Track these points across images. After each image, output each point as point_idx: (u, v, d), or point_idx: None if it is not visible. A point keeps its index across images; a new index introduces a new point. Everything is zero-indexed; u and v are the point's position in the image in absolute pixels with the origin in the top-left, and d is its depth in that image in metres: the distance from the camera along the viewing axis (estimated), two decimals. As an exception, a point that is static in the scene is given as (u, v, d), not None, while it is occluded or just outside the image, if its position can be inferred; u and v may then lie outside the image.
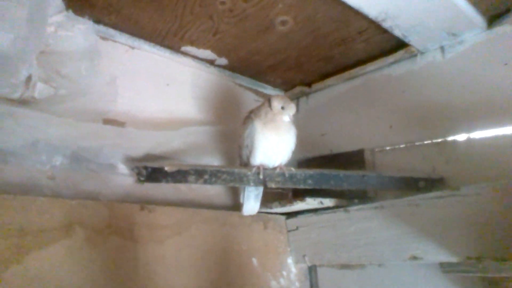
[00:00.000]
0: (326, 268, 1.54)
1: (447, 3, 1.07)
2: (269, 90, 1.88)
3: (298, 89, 1.81)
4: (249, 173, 1.25)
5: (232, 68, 1.69)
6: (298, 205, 1.44)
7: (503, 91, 1.11)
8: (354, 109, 1.58)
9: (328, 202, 1.44)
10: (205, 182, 1.23)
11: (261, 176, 1.24)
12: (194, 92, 1.60)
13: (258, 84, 1.82)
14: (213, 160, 1.60)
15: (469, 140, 1.17)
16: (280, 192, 1.73)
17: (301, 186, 1.26)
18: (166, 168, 1.22)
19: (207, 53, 1.56)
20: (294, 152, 1.82)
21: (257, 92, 1.83)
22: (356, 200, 1.44)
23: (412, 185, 1.21)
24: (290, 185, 1.26)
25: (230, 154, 1.63)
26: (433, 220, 1.07)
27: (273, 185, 1.26)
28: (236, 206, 1.55)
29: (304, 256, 1.53)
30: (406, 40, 1.28)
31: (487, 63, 1.17)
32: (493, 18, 1.18)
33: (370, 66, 1.49)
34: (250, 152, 1.29)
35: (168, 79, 1.52)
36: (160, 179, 1.23)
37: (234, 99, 1.73)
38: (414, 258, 1.12)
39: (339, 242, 1.39)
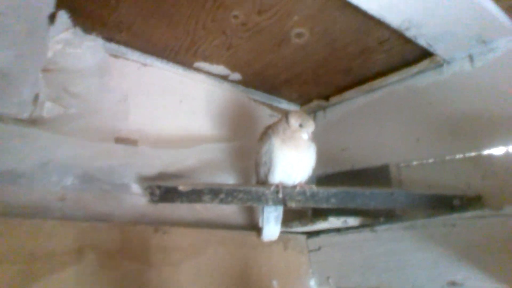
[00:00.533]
0: (353, 291, 1.43)
1: (476, 9, 1.00)
2: (284, 104, 1.82)
3: (315, 103, 1.75)
4: (267, 191, 1.18)
5: (246, 83, 1.65)
6: (320, 225, 1.36)
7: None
8: (376, 122, 1.50)
9: (352, 221, 1.35)
10: (221, 201, 1.17)
11: (280, 195, 1.16)
12: (207, 109, 1.55)
13: (273, 99, 1.77)
14: (228, 178, 1.53)
15: (507, 154, 1.08)
16: (299, 210, 1.65)
17: (324, 206, 1.17)
18: (180, 188, 1.16)
19: (220, 69, 1.51)
20: (314, 168, 1.79)
21: (272, 107, 1.77)
22: (382, 219, 1.34)
23: (445, 203, 1.11)
24: (312, 204, 1.18)
25: (246, 172, 1.56)
26: (473, 243, 0.98)
27: (293, 205, 1.18)
28: (254, 225, 1.47)
29: (328, 278, 1.44)
30: (431, 50, 1.21)
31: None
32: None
33: (392, 78, 1.42)
34: (269, 169, 1.22)
35: (181, 95, 1.48)
36: (174, 199, 1.17)
37: (249, 114, 1.67)
38: (453, 284, 1.01)
39: (367, 264, 1.29)
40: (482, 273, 0.95)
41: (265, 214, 1.29)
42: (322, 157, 1.76)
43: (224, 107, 1.60)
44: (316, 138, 1.79)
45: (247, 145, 1.57)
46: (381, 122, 1.47)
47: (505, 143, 1.08)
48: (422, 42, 1.16)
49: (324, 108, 1.77)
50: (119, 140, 1.29)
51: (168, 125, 1.42)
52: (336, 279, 1.39)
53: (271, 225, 1.34)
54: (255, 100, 1.71)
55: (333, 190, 1.17)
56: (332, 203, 1.17)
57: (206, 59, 1.44)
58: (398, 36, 1.19)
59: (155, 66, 1.43)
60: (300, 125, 1.16)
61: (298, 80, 1.58)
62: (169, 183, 1.21)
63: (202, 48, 1.36)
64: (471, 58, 1.21)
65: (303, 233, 1.54)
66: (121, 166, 1.27)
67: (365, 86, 1.52)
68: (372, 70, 1.45)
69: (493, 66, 1.16)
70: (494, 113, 1.12)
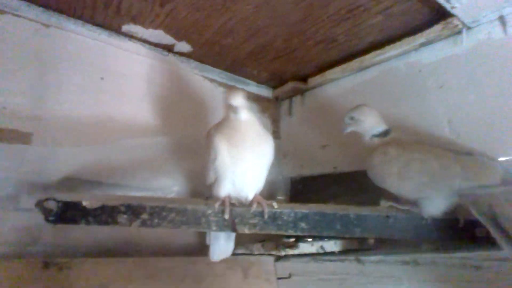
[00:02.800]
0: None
1: None
2: (252, 87, 1.43)
3: (290, 85, 1.37)
4: (209, 211, 0.82)
5: (198, 57, 1.25)
6: (289, 251, 1.00)
7: None
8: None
9: (332, 245, 1.00)
10: (144, 224, 0.83)
11: (226, 216, 0.80)
12: (143, 90, 1.16)
13: (236, 79, 1.38)
14: (172, 185, 1.15)
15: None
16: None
17: (290, 232, 0.81)
18: (84, 203, 0.81)
19: (160, 35, 1.12)
20: (287, 169, 1.44)
21: (235, 90, 1.38)
22: (372, 241, 1.00)
23: (464, 233, 0.76)
24: (273, 230, 0.82)
25: (198, 177, 1.18)
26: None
27: (246, 230, 0.82)
28: (204, 247, 1.11)
29: (298, 315, 1.09)
30: (449, 7, 0.83)
31: None
32: None
33: (390, 51, 1.05)
34: (215, 179, 0.85)
35: (103, 70, 1.08)
36: (77, 219, 0.83)
37: (203, 99, 1.28)
38: None
39: (351, 307, 0.94)
40: None
41: (213, 230, 0.92)
42: (297, 155, 1.42)
43: (168, 88, 1.21)
44: (291, 130, 1.45)
45: (199, 140, 1.19)
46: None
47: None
48: (436, -7, 0.78)
49: (302, 92, 1.40)
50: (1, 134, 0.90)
51: (81, 112, 1.02)
52: (309, 318, 1.04)
53: (221, 242, 0.98)
54: (212, 80, 1.32)
55: (303, 210, 0.81)
56: (302, 229, 0.82)
57: (136, 20, 1.05)
58: (402, -15, 0.81)
59: (63, 28, 1.03)
60: (228, 101, 0.76)
61: (267, 53, 1.20)
62: (71, 196, 0.84)
63: (126, 2, 0.96)
64: (502, 21, 0.84)
65: (270, 254, 1.18)
66: (3, 171, 0.89)
67: (354, 63, 1.14)
68: (363, 41, 1.08)
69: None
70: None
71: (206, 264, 1.07)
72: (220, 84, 1.34)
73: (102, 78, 1.08)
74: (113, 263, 0.94)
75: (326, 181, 1.23)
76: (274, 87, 1.46)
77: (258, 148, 0.80)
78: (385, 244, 1.00)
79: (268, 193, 1.40)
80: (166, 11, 0.99)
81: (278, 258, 1.19)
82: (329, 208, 0.81)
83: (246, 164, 0.79)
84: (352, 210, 0.80)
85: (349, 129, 0.93)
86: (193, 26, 1.07)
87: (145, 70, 1.17)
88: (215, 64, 1.30)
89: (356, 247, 1.04)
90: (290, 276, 1.16)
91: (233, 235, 0.99)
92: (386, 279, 0.88)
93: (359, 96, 1.17)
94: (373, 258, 0.91)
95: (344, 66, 1.17)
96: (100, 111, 1.06)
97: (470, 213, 0.78)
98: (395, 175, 0.81)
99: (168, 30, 1.10)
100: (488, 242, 0.76)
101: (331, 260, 1.03)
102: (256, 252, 1.08)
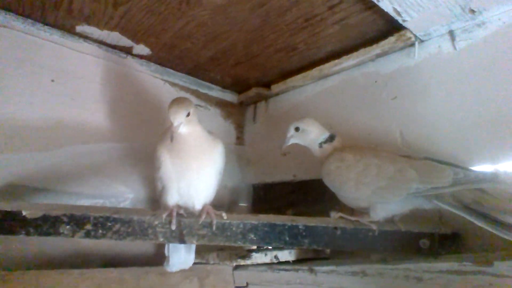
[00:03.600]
0: None
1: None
2: (216, 92, 1.41)
3: (254, 91, 1.36)
4: (156, 221, 0.79)
5: (159, 60, 1.22)
6: (243, 261, 0.99)
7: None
8: (328, 121, 1.12)
9: (286, 255, 0.99)
10: (87, 235, 0.79)
11: (173, 227, 0.77)
12: (98, 93, 1.12)
13: (199, 83, 1.36)
14: (127, 192, 1.12)
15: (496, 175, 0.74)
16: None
17: (239, 244, 0.80)
18: (24, 213, 0.76)
19: (116, 37, 1.08)
20: (249, 175, 1.42)
21: (198, 94, 1.36)
22: (328, 251, 1.00)
23: (409, 244, 0.77)
24: (222, 242, 0.80)
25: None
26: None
27: (194, 241, 0.80)
28: (159, 256, 1.08)
29: (254, 326, 1.07)
30: (401, 20, 0.84)
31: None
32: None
33: (348, 61, 1.05)
34: (162, 188, 0.83)
35: (54, 72, 1.04)
36: (17, 230, 0.78)
37: (163, 103, 1.25)
38: None
39: (302, 316, 0.94)
40: None
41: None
42: (261, 162, 1.41)
43: (125, 91, 1.17)
44: (255, 136, 1.44)
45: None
46: (334, 121, 1.09)
47: (492, 161, 0.75)
48: (386, 6, 0.79)
49: (266, 98, 1.39)
50: None
51: (29, 115, 0.97)
52: (265, 329, 1.03)
53: (181, 253, 0.95)
54: (173, 84, 1.29)
55: (252, 220, 0.80)
56: (251, 241, 0.80)
57: (90, 20, 1.01)
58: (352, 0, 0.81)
59: (11, 27, 0.98)
60: (168, 116, 0.75)
61: (227, 58, 1.18)
62: (11, 205, 0.79)
63: (77, 3, 0.92)
64: (452, 35, 0.86)
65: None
66: None
67: (314, 71, 1.14)
68: (322, 50, 1.08)
69: (483, 48, 0.81)
70: (481, 117, 0.78)
71: (160, 274, 1.04)
72: (182, 88, 1.31)
73: (52, 80, 1.03)
74: (58, 275, 0.89)
75: (286, 189, 1.23)
76: (239, 92, 1.45)
77: (204, 157, 0.78)
78: (341, 254, 1.00)
79: (231, 199, 1.38)
80: (120, 13, 0.96)
81: (237, 267, 1.17)
82: (278, 219, 0.80)
83: (191, 174, 0.77)
84: (301, 221, 0.80)
85: (291, 141, 0.93)
86: (149, 29, 1.04)
87: (100, 72, 1.13)
88: (177, 67, 1.27)
89: (312, 256, 1.03)
90: (247, 285, 1.15)
91: (194, 246, 0.97)
92: (337, 288, 0.89)
93: (319, 105, 1.17)
94: (325, 268, 0.91)
95: (305, 74, 1.17)
96: (49, 115, 1.01)
97: (413, 224, 0.80)
98: (352, 181, 0.81)
99: (124, 32, 1.06)
100: (430, 253, 0.78)
101: (286, 270, 1.02)
102: (211, 262, 1.06)
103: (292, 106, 1.28)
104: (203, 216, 0.79)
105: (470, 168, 0.76)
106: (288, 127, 0.94)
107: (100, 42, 1.11)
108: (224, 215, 0.79)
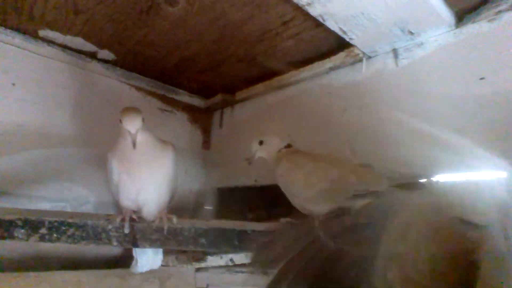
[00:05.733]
0: None
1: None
2: (184, 96, 1.44)
3: (219, 97, 1.40)
4: (110, 226, 0.82)
5: (125, 65, 1.24)
6: (198, 264, 1.02)
7: (481, 118, 0.76)
8: (286, 129, 1.18)
9: (242, 258, 1.03)
10: (42, 239, 0.81)
11: (126, 231, 0.80)
12: (61, 97, 1.13)
13: (166, 88, 1.38)
14: (89, 195, 1.14)
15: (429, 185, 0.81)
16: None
17: (191, 248, 0.84)
18: None
19: (80, 42, 1.10)
20: (214, 179, 1.46)
21: (165, 99, 1.38)
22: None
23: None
24: (174, 246, 0.84)
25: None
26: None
27: (147, 246, 0.84)
28: (124, 257, 1.11)
29: (213, 327, 1.12)
30: (347, 38, 0.90)
31: (455, 76, 0.82)
32: (461, 13, 0.83)
33: (304, 73, 1.10)
34: (117, 195, 0.86)
35: (15, 76, 1.04)
36: None
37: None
38: None
39: (257, 318, 0.98)
40: None
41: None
42: (225, 167, 1.45)
43: (89, 96, 1.19)
44: (221, 140, 1.49)
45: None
46: (292, 129, 1.15)
47: (429, 173, 0.81)
48: (333, 26, 0.84)
49: (232, 104, 1.43)
50: None
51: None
52: (222, 327, 1.07)
53: (149, 255, 0.98)
54: (139, 89, 1.32)
55: (203, 226, 0.84)
56: (202, 245, 0.84)
57: (52, 26, 1.02)
58: (304, 15, 0.86)
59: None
60: (123, 125, 0.78)
61: (192, 66, 1.22)
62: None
63: (38, 9, 0.93)
64: (395, 53, 0.92)
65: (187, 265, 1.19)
66: None
67: (274, 81, 1.19)
68: (281, 61, 1.13)
69: (421, 66, 0.88)
70: (417, 130, 0.84)
71: (119, 277, 1.07)
72: (149, 92, 1.34)
73: (13, 84, 1.04)
74: (13, 278, 0.91)
75: (248, 193, 1.27)
76: (206, 97, 1.48)
77: (154, 164, 0.81)
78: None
79: (196, 202, 1.42)
80: (81, 20, 0.98)
81: (198, 269, 1.21)
82: (228, 225, 0.84)
83: (142, 181, 0.81)
84: (249, 226, 0.84)
85: (257, 155, 0.97)
86: (113, 36, 1.06)
87: (64, 76, 1.14)
88: (143, 72, 1.29)
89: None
90: (207, 286, 1.19)
91: None
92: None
93: (279, 113, 1.22)
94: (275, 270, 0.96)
95: (266, 83, 1.22)
96: (10, 119, 1.02)
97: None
98: (300, 181, 0.86)
99: (88, 38, 1.08)
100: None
101: (242, 272, 1.07)
102: (171, 264, 1.09)
103: (255, 113, 1.32)
104: (156, 221, 0.83)
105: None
106: (252, 142, 0.98)
107: (64, 47, 1.13)
108: (174, 220, 0.83)
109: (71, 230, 0.81)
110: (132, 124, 0.76)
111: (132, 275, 1.08)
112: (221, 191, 1.40)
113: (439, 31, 0.84)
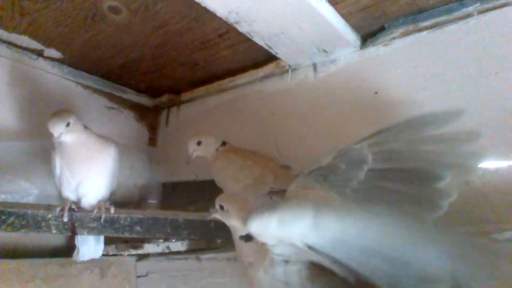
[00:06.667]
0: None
1: (311, 11, 0.84)
2: (131, 95, 1.51)
3: (166, 97, 1.48)
4: (50, 215, 0.88)
5: (72, 63, 1.29)
6: (135, 251, 1.11)
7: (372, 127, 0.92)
8: (226, 130, 1.30)
9: (179, 245, 1.13)
10: None
11: (65, 219, 0.87)
12: (5, 93, 1.16)
13: (114, 87, 1.44)
14: (31, 188, 1.17)
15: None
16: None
17: (126, 235, 0.92)
18: None
19: (26, 40, 1.13)
20: (159, 174, 1.54)
21: (112, 97, 1.44)
22: (219, 242, 1.16)
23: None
24: (112, 233, 0.92)
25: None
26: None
27: (85, 233, 0.91)
28: (66, 247, 1.16)
29: (152, 313, 1.20)
30: (274, 52, 1.04)
31: (358, 89, 0.98)
32: (367, 36, 1.00)
33: (241, 79, 1.23)
34: (59, 187, 0.93)
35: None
36: None
37: (73, 105, 1.32)
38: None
39: (189, 300, 1.09)
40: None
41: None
42: (169, 163, 1.54)
43: (34, 92, 1.22)
44: (167, 138, 1.57)
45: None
46: (228, 130, 1.27)
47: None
48: (260, 41, 0.98)
49: (178, 105, 1.52)
50: None
51: None
52: (160, 315, 1.16)
53: (91, 244, 1.03)
54: (86, 86, 1.36)
55: (138, 215, 0.93)
56: (137, 232, 0.94)
57: (-4, 24, 1.05)
58: (236, 30, 0.98)
59: None
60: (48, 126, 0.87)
61: (138, 67, 1.29)
62: None
63: (-19, 8, 0.97)
64: (314, 67, 1.08)
65: (132, 254, 1.27)
66: None
67: (215, 85, 1.31)
68: (221, 67, 1.24)
69: (333, 79, 1.04)
70: (331, 134, 0.99)
71: (60, 265, 1.11)
72: (95, 90, 1.39)
73: (-46, 78, 1.06)
74: None
75: (190, 188, 1.37)
76: (154, 97, 1.56)
77: (92, 160, 0.89)
78: (230, 243, 1.17)
79: (141, 196, 1.49)
80: (27, 21, 1.02)
81: (140, 258, 1.29)
82: (161, 214, 0.94)
83: (81, 175, 0.88)
84: (181, 215, 0.95)
85: (195, 155, 1.08)
86: (59, 37, 1.11)
87: (8, 72, 1.17)
88: (91, 71, 1.34)
89: (204, 247, 1.19)
90: (147, 274, 1.27)
91: (102, 237, 1.06)
92: (217, 273, 1.05)
93: (219, 115, 1.33)
94: (207, 256, 1.07)
95: (207, 86, 1.33)
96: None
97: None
98: (230, 177, 0.98)
99: (34, 37, 1.12)
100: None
101: (178, 259, 1.17)
102: (111, 253, 1.16)
103: (199, 114, 1.43)
104: (95, 211, 0.91)
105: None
106: (189, 143, 1.08)
107: (10, 43, 1.15)
108: (112, 209, 0.91)
109: (11, 219, 0.86)
110: (54, 128, 0.84)
111: (72, 264, 1.13)
112: (165, 185, 1.48)
113: (347, 51, 1.00)
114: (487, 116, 0.78)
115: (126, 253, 1.13)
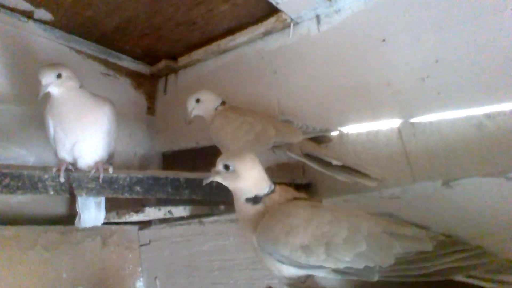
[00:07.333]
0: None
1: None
2: (127, 62, 1.45)
3: (163, 63, 1.43)
4: (46, 176, 0.85)
5: (64, 27, 1.23)
6: (136, 217, 1.08)
7: (379, 76, 0.88)
8: (224, 93, 1.24)
9: (181, 211, 1.10)
10: None
11: (62, 179, 0.84)
12: (-4, 56, 1.11)
13: (109, 53, 1.39)
14: (27, 155, 1.14)
15: (341, 136, 0.92)
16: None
17: (126, 196, 0.89)
18: None
19: (13, 0, 1.07)
20: (159, 144, 1.51)
21: (107, 63, 1.39)
22: (223, 207, 1.13)
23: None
24: (110, 194, 0.89)
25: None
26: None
27: (83, 194, 0.88)
28: (67, 216, 1.13)
29: (156, 278, 1.19)
30: (274, 3, 0.98)
31: (365, 39, 0.93)
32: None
33: (241, 37, 1.17)
34: (55, 148, 0.89)
35: None
36: None
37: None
38: (271, 289, 0.85)
39: (193, 264, 1.08)
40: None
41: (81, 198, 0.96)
42: (169, 132, 1.50)
43: (24, 56, 1.17)
44: (165, 107, 1.52)
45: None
46: (230, 94, 1.22)
47: (340, 124, 0.92)
48: (260, -10, 0.92)
49: (175, 71, 1.47)
50: None
51: None
52: (164, 280, 1.15)
53: (92, 211, 1.01)
54: (80, 52, 1.31)
55: (138, 175, 0.90)
56: (137, 192, 0.91)
57: (-20, -19, 0.99)
58: (234, -21, 0.92)
59: None
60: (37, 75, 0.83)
61: (133, 29, 1.24)
62: None
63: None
64: (318, 19, 1.02)
65: (135, 223, 1.24)
66: None
67: (214, 46, 1.25)
68: (220, 26, 1.19)
69: (338, 31, 0.98)
70: (336, 87, 0.95)
71: (61, 233, 1.09)
72: (89, 56, 1.34)
73: None
74: None
75: (191, 155, 1.34)
76: (151, 64, 1.50)
77: (86, 119, 0.85)
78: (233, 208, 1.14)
79: (141, 166, 1.46)
80: (12, -24, 0.97)
81: (142, 227, 1.27)
82: (161, 173, 0.91)
83: (75, 134, 0.84)
84: (182, 175, 0.91)
85: (194, 113, 1.03)
86: (47, -6, 1.05)
87: (-1, 35, 1.12)
88: (84, 35, 1.29)
89: (207, 212, 1.16)
90: (149, 242, 1.25)
91: (103, 203, 1.03)
92: (219, 236, 1.02)
93: (219, 78, 1.28)
94: (210, 219, 1.04)
95: (206, 48, 1.27)
96: None
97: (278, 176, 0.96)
98: (229, 134, 0.95)
99: (19, -6, 1.06)
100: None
101: (181, 224, 1.14)
102: (112, 220, 1.13)
103: (198, 79, 1.38)
104: (93, 171, 0.87)
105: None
106: (188, 100, 1.04)
107: (-2, 4, 1.10)
108: (110, 169, 0.88)
109: (7, 180, 0.82)
110: (42, 76, 0.79)
111: (73, 232, 1.11)
112: (165, 155, 1.45)
113: (352, -1, 0.94)
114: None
115: (128, 218, 1.10)
